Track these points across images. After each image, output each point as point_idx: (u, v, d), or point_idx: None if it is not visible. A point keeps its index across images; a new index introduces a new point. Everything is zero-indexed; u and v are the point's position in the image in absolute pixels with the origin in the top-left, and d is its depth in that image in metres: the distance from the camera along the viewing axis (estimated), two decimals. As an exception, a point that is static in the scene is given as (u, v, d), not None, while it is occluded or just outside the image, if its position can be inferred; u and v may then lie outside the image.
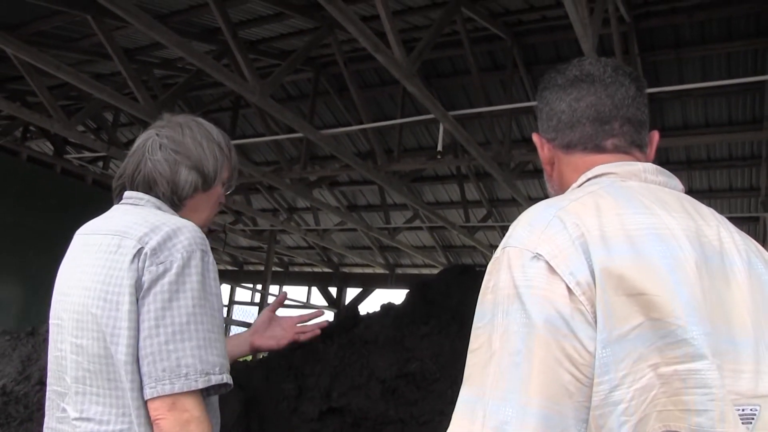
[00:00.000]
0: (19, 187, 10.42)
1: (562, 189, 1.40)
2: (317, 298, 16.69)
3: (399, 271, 15.36)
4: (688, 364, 1.01)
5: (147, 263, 1.62)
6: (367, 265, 15.43)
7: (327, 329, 6.07)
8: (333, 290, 16.36)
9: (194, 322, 1.61)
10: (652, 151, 1.41)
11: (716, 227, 1.20)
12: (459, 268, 6.16)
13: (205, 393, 1.65)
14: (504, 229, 13.07)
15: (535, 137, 1.47)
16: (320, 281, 16.49)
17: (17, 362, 5.72)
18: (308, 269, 16.83)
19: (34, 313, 9.74)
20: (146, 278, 1.61)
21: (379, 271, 15.42)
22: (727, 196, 9.83)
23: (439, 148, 7.35)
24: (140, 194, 1.84)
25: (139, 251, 1.63)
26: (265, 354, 5.60)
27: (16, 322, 9.45)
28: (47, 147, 11.75)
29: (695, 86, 6.66)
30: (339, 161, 9.73)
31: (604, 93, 1.36)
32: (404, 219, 12.50)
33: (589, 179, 1.30)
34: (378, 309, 5.61)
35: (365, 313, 5.51)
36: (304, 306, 16.99)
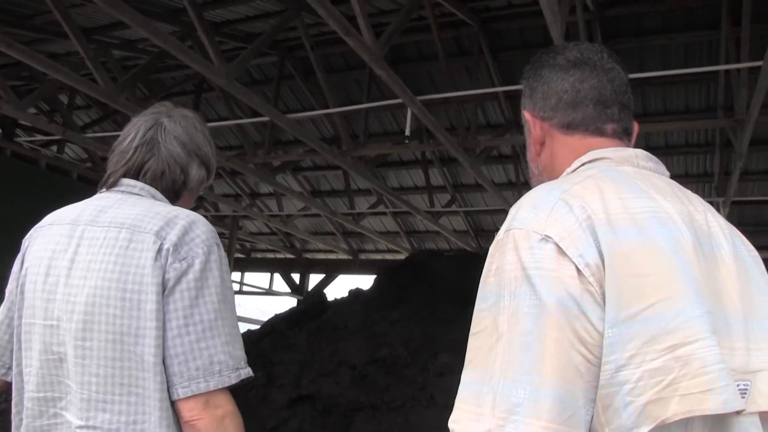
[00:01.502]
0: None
1: (550, 169, 1.41)
2: (280, 284, 16.60)
3: (363, 256, 15.31)
4: (701, 341, 1.03)
5: (170, 260, 1.60)
6: (331, 251, 15.36)
7: (295, 316, 6.06)
8: (296, 277, 16.28)
9: (221, 318, 1.61)
10: (633, 139, 1.44)
11: (704, 212, 1.25)
12: (426, 252, 6.16)
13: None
14: (468, 215, 13.22)
15: (527, 115, 1.46)
16: (283, 267, 16.39)
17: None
18: (271, 255, 16.70)
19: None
20: (171, 275, 1.59)
21: (343, 256, 15.36)
22: (683, 181, 9.74)
23: (407, 133, 7.31)
24: (133, 182, 1.79)
25: (161, 248, 1.61)
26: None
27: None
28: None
29: (655, 74, 6.73)
30: (303, 146, 9.64)
31: (605, 77, 1.38)
32: (368, 204, 12.44)
33: (583, 164, 1.32)
34: (346, 295, 5.58)
35: (333, 299, 5.48)
36: (266, 293, 16.89)
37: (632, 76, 5.34)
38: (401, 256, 12.72)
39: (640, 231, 1.10)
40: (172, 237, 1.62)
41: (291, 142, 10.68)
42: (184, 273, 1.60)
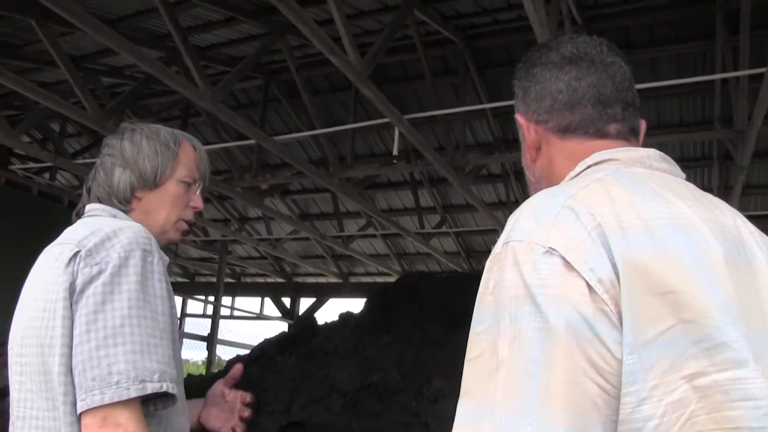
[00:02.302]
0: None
1: (549, 176, 1.27)
2: (270, 308, 16.47)
3: (353, 279, 15.21)
4: (729, 372, 0.88)
5: (81, 264, 1.50)
6: (321, 275, 15.24)
7: (284, 340, 5.96)
8: (287, 301, 16.15)
9: (129, 325, 1.45)
10: (641, 139, 1.29)
11: (732, 217, 1.10)
12: (417, 275, 6.07)
13: (152, 407, 1.50)
14: (459, 236, 13.16)
15: (520, 119, 1.32)
16: (273, 292, 16.26)
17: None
18: (261, 280, 16.58)
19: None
20: (80, 280, 1.48)
21: (333, 280, 15.25)
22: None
23: (395, 152, 7.24)
24: (98, 205, 1.77)
25: (76, 254, 1.52)
26: (222, 366, 5.41)
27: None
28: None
29: (645, 86, 6.65)
30: (291, 169, 9.57)
31: (605, 74, 1.24)
32: (357, 227, 12.38)
33: (588, 166, 1.17)
34: (336, 318, 5.48)
35: (323, 323, 5.39)
36: (257, 317, 16.75)
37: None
38: (392, 279, 12.62)
39: (655, 240, 0.95)
40: (89, 244, 1.53)
41: (279, 165, 10.62)
42: (94, 278, 1.48)
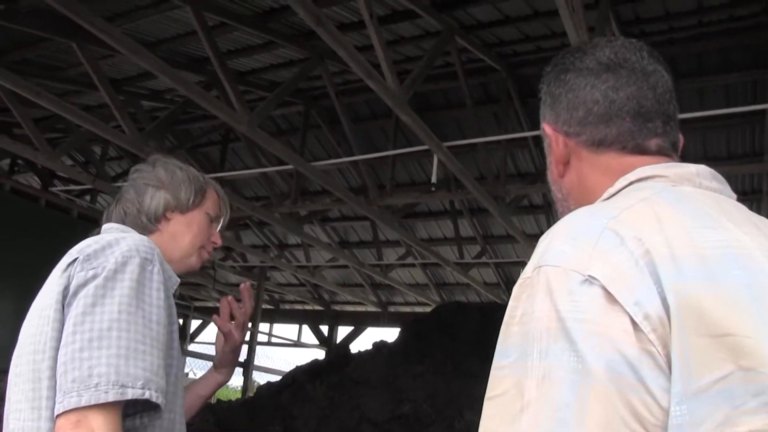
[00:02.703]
0: (2, 219, 10.16)
1: (580, 193, 1.13)
2: (308, 336, 16.39)
3: (392, 309, 15.08)
4: None
5: (78, 268, 1.47)
6: (359, 303, 15.14)
7: (316, 368, 5.88)
8: (324, 329, 16.06)
9: (117, 329, 1.40)
10: (679, 154, 1.15)
11: None
12: (453, 305, 5.94)
13: (139, 419, 1.45)
14: (499, 267, 12.99)
15: (547, 129, 1.17)
16: (311, 319, 16.19)
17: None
18: (299, 307, 16.54)
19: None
20: (73, 284, 1.45)
21: (372, 309, 15.14)
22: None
23: (434, 180, 7.14)
24: (110, 224, 1.78)
25: (74, 260, 1.49)
26: (252, 393, 5.35)
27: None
28: (35, 181, 11.54)
29: (693, 115, 6.47)
30: (331, 196, 9.53)
31: (646, 83, 1.10)
32: (397, 256, 12.28)
33: (631, 183, 1.03)
34: (370, 347, 5.38)
35: (356, 351, 5.29)
36: (295, 345, 16.68)
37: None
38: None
39: (711, 274, 0.82)
40: (89, 250, 1.50)
41: (318, 192, 10.59)
42: (88, 281, 1.44)
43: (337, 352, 5.14)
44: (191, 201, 1.85)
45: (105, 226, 1.77)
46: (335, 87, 7.60)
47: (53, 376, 1.39)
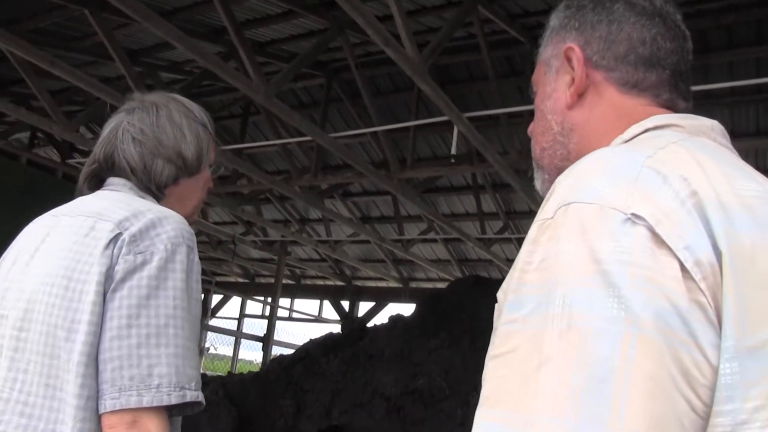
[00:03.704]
0: (19, 191, 10.18)
1: (587, 134, 1.01)
2: (329, 311, 16.39)
3: (413, 284, 15.02)
4: None
5: (124, 251, 1.36)
6: (381, 279, 15.10)
7: (330, 342, 5.81)
8: (345, 304, 16.04)
9: (174, 326, 1.34)
10: None
11: None
12: (472, 279, 5.83)
13: (172, 412, 1.37)
14: (521, 242, 12.76)
15: (576, 50, 1.03)
16: (332, 295, 16.18)
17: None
18: (320, 282, 16.54)
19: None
20: (120, 267, 1.35)
21: (393, 284, 15.09)
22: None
23: (453, 151, 7.02)
24: (122, 180, 1.62)
25: (117, 236, 1.38)
26: (258, 366, 5.29)
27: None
28: (54, 154, 11.55)
29: (722, 86, 6.27)
30: (351, 170, 9.44)
31: (685, 46, 1.02)
32: (418, 231, 12.19)
33: (647, 129, 0.92)
34: (386, 321, 5.30)
35: (372, 325, 5.21)
36: (316, 320, 16.69)
37: (697, 88, 5.00)
38: (452, 285, 12.40)
39: (761, 222, 0.73)
40: (133, 228, 1.39)
41: (339, 166, 10.51)
42: (138, 268, 1.35)
43: (352, 326, 5.06)
44: (201, 165, 1.72)
45: (115, 181, 1.63)
46: (356, 59, 7.48)
47: (89, 363, 1.30)
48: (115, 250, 1.37)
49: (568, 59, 1.04)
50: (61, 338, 1.33)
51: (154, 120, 1.66)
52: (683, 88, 1.01)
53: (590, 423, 0.64)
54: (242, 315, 16.80)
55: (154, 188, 1.64)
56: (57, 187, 10.88)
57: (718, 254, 0.70)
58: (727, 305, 0.68)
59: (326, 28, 7.11)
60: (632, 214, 0.71)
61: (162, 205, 1.60)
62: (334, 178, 9.74)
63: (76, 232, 1.43)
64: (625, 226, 0.71)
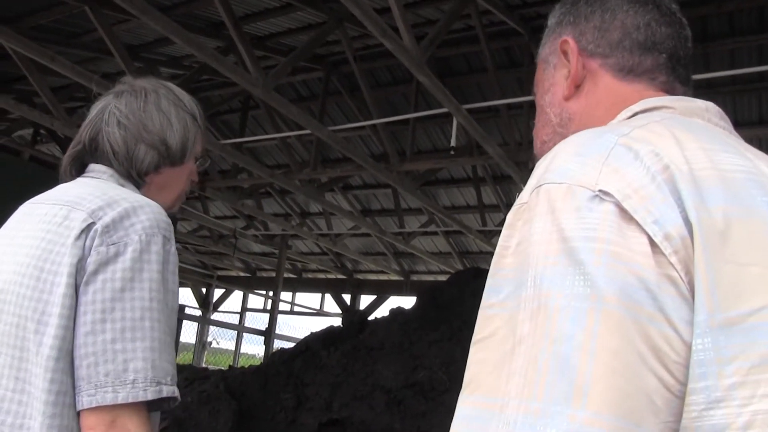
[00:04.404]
0: (20, 187, 10.17)
1: (582, 123, 1.01)
2: (331, 305, 16.40)
3: (414, 277, 15.03)
4: None
5: (96, 242, 1.33)
6: (382, 272, 15.12)
7: (331, 335, 5.82)
8: (347, 297, 16.06)
9: (150, 319, 1.31)
10: None
11: None
12: (472, 271, 5.83)
13: (149, 407, 1.34)
14: (522, 235, 12.73)
15: (570, 42, 1.04)
16: (334, 288, 16.19)
17: None
18: (322, 276, 16.55)
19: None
20: (93, 259, 1.31)
21: (394, 277, 15.10)
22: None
23: (452, 143, 7.00)
24: (103, 167, 1.59)
25: (89, 226, 1.34)
26: (260, 360, 5.31)
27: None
28: (57, 150, 11.55)
29: (722, 74, 6.24)
30: (351, 163, 9.44)
31: (682, 32, 1.02)
32: (419, 224, 12.19)
33: (635, 113, 0.92)
34: (386, 314, 5.32)
35: (373, 318, 5.23)
36: (317, 313, 16.71)
37: (698, 76, 4.93)
38: (453, 278, 12.39)
39: (738, 196, 0.72)
40: (106, 218, 1.36)
41: (339, 160, 10.51)
42: (111, 260, 1.32)
43: (352, 319, 5.07)
44: (186, 155, 1.68)
45: (96, 168, 1.60)
46: (355, 52, 7.47)
47: (59, 358, 1.27)
48: (87, 241, 1.34)
49: (564, 53, 1.05)
50: (30, 330, 1.31)
51: (141, 105, 1.63)
52: (681, 72, 1.01)
53: (554, 401, 0.64)
54: (244, 309, 16.82)
55: (134, 174, 1.60)
56: (57, 181, 10.89)
57: (689, 227, 0.69)
58: (698, 279, 0.67)
59: (324, 21, 7.10)
60: (600, 191, 0.71)
61: (142, 193, 1.57)
62: (334, 171, 9.73)
63: (50, 221, 1.40)
64: (593, 202, 0.71)
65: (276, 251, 14.16)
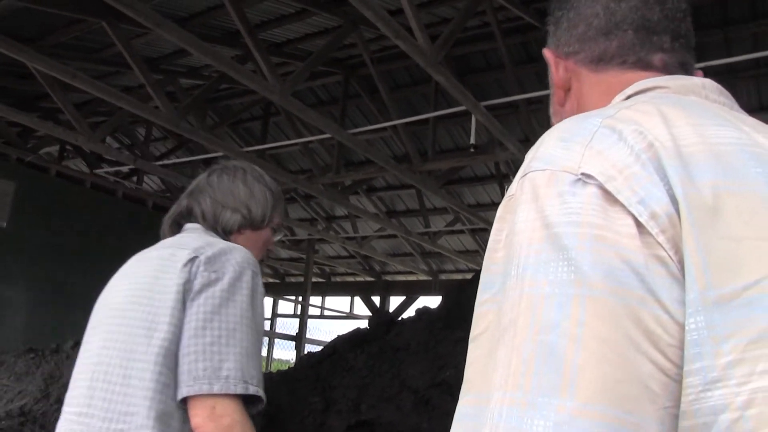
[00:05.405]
0: (49, 202, 10.33)
1: None
2: (361, 308, 16.41)
3: (443, 276, 14.98)
4: None
5: (201, 268, 1.65)
6: (410, 273, 15.10)
7: (357, 337, 5.83)
8: (377, 299, 16.05)
9: (240, 332, 1.62)
10: None
11: None
12: (497, 268, 5.78)
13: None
14: (548, 229, 12.64)
15: (547, 54, 1.06)
16: (363, 291, 16.17)
17: (40, 381, 5.53)
18: (351, 279, 16.57)
19: (67, 329, 9.07)
20: (198, 281, 1.64)
21: (423, 277, 15.07)
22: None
23: (472, 140, 6.99)
24: (196, 225, 1.94)
25: (193, 259, 1.67)
26: (291, 365, 5.36)
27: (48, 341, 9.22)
28: (83, 165, 11.71)
29: (745, 57, 6.13)
30: (373, 165, 9.45)
31: (647, 1, 0.98)
32: (445, 223, 12.17)
33: (629, 96, 0.90)
34: (413, 314, 5.32)
35: (400, 318, 5.24)
36: (347, 317, 16.73)
37: (720, 61, 4.85)
38: (482, 276, 12.33)
39: (729, 168, 0.69)
40: (207, 252, 1.69)
41: (362, 162, 10.53)
42: (212, 283, 1.63)
43: (378, 320, 5.08)
44: (264, 222, 2.00)
45: (190, 226, 1.93)
46: (371, 54, 7.48)
47: (167, 355, 1.58)
48: (193, 268, 1.65)
49: (549, 64, 1.07)
50: (140, 335, 1.61)
51: (231, 178, 1.99)
52: (658, 39, 0.97)
53: (541, 392, 0.62)
54: (274, 315, 16.91)
55: (220, 230, 1.93)
56: (84, 196, 11.04)
57: (675, 204, 0.67)
58: (687, 256, 0.65)
59: (339, 25, 7.12)
60: (582, 174, 0.69)
61: None
62: (357, 174, 9.76)
63: (159, 257, 1.74)
64: (575, 186, 0.69)
65: (303, 256, 14.21)
